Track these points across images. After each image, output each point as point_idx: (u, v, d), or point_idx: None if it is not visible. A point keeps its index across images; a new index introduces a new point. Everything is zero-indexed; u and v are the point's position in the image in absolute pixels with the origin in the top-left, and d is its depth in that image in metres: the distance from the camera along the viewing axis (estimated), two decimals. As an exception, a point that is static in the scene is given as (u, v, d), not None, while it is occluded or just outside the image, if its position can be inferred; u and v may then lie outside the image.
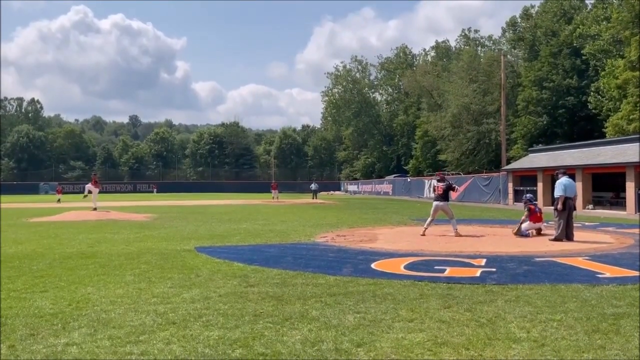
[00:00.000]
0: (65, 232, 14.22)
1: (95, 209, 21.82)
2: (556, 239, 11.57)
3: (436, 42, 71.11)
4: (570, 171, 26.52)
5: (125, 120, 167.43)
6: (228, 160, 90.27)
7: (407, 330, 4.67)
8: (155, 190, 70.36)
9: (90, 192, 22.71)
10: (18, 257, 9.30)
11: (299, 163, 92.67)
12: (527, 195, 14.25)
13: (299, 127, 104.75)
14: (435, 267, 8.09)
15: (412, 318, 5.09)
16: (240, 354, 4.04)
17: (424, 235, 12.77)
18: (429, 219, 13.31)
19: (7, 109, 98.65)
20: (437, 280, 7.00)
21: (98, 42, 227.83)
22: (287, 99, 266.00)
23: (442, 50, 68.82)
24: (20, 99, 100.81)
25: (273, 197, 37.85)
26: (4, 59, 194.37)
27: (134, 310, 5.44)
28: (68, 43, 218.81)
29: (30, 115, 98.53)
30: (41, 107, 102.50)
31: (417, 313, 5.28)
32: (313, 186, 46.45)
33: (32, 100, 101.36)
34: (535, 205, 13.19)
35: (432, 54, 70.87)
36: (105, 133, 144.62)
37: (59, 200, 35.87)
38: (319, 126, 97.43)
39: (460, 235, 12.62)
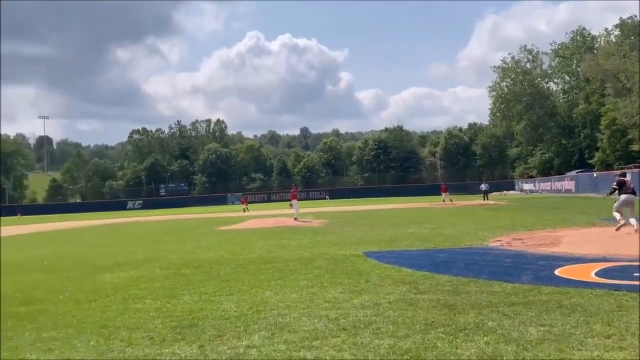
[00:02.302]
0: (248, 239, 15.46)
1: (295, 218, 22.66)
2: None
3: (620, 19, 62.77)
4: None
5: (296, 132, 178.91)
6: (393, 164, 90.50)
7: (604, 348, 4.07)
8: (327, 196, 73.48)
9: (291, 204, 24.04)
10: (209, 263, 10.32)
11: (466, 163, 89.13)
12: None
13: (465, 126, 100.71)
14: (635, 275, 7.01)
15: (609, 334, 4.43)
16: (411, 366, 3.89)
17: (618, 230, 11.27)
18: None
19: (198, 130, 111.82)
20: (638, 289, 6.04)
21: (269, 62, 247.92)
22: (451, 98, 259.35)
23: (628, 27, 60.53)
24: (208, 121, 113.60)
25: (443, 200, 36.68)
26: (195, 87, 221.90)
27: (307, 315, 5.62)
28: (244, 67, 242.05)
29: (217, 134, 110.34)
30: (225, 127, 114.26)
31: (615, 328, 4.59)
32: (483, 186, 44.18)
33: (218, 120, 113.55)
34: None
35: (616, 32, 62.76)
36: (279, 146, 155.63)
37: (245, 210, 39.22)
38: (487, 123, 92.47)
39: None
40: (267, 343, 4.65)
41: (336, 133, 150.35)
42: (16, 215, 56.97)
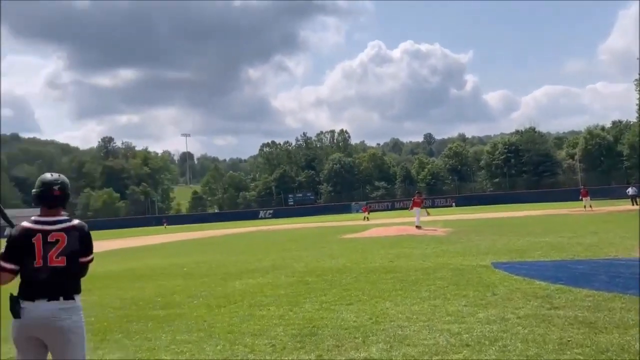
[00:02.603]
0: (370, 247, 15.41)
1: (418, 226, 22.08)
2: None
3: None
4: None
5: (420, 139, 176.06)
6: (526, 168, 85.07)
7: None
8: (453, 204, 71.16)
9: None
10: (331, 271, 10.44)
11: (611, 165, 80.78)
12: None
13: (608, 124, 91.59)
14: None
15: None
16: (542, 390, 3.54)
17: None
18: None
19: (323, 140, 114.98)
20: None
21: (391, 70, 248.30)
22: (591, 95, 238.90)
23: None
24: (332, 131, 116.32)
25: (585, 207, 33.59)
26: (319, 99, 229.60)
27: (428, 328, 5.41)
28: (366, 76, 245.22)
29: (340, 144, 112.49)
30: (349, 136, 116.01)
31: None
32: (631, 190, 39.77)
33: (341, 130, 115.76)
34: None
35: None
36: (403, 153, 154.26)
37: (366, 218, 39.39)
38: (634, 120, 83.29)
39: None
40: (385, 356, 4.54)
41: (462, 138, 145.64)
42: (162, 224, 62.83)
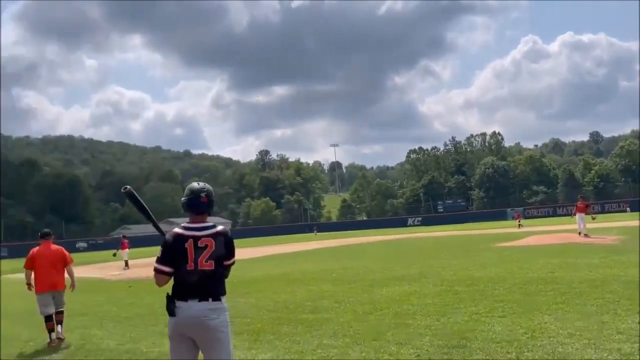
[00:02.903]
0: (527, 256, 14.33)
1: (585, 234, 20.11)
2: None
3: None
4: None
5: (585, 138, 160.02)
6: None
7: None
8: (628, 209, 63.47)
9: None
10: (483, 281, 9.90)
11: None
12: None
13: None
14: None
15: None
16: None
17: None
18: None
19: (473, 144, 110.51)
20: None
21: (548, 65, 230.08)
22: None
23: None
24: (484, 134, 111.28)
25: None
26: (468, 101, 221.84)
27: (594, 347, 4.85)
28: (520, 74, 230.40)
29: (492, 147, 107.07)
30: (502, 139, 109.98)
31: None
32: None
33: (494, 133, 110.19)
34: None
35: None
36: (565, 154, 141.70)
37: (519, 225, 36.96)
38: None
39: None
40: (542, 375, 4.15)
41: (636, 135, 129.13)
42: (313, 232, 65.36)
